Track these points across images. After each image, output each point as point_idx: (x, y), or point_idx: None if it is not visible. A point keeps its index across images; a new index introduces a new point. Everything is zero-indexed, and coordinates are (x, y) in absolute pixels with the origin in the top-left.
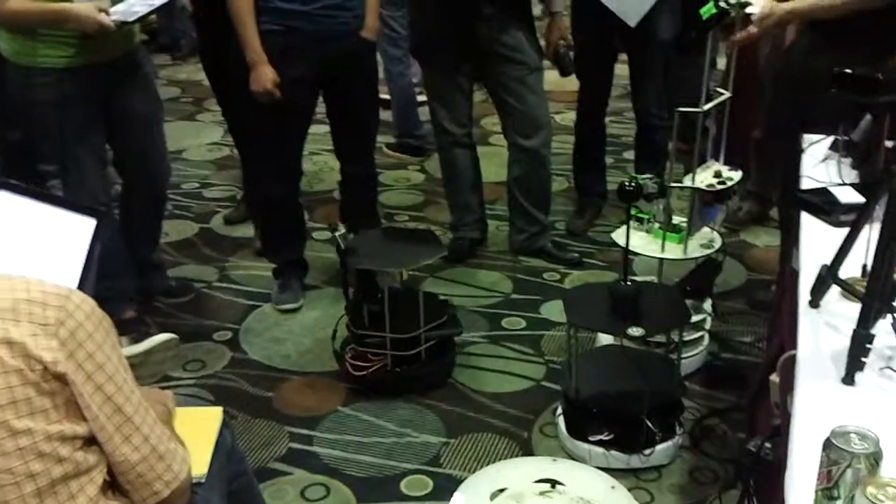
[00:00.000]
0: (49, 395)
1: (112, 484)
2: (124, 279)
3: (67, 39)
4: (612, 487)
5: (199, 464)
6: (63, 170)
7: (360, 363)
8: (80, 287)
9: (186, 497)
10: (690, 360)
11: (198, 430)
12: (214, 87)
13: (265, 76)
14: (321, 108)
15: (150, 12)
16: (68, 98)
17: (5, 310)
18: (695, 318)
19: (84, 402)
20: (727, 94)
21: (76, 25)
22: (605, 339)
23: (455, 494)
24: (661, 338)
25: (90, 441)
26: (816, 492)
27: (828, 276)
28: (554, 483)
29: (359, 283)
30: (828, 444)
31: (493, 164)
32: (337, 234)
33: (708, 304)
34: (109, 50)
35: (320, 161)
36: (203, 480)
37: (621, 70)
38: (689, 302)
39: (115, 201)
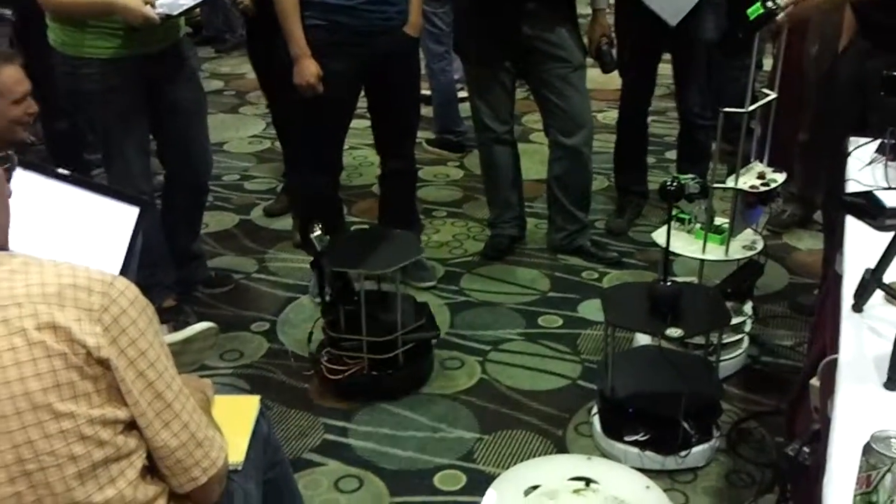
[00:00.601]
0: (91, 379)
1: (151, 469)
2: (165, 268)
3: (114, 31)
4: (647, 487)
5: (236, 451)
6: (107, 159)
7: (335, 367)
8: (122, 274)
9: (223, 484)
10: (729, 362)
11: (235, 419)
12: (261, 80)
13: (308, 70)
14: (363, 102)
15: (195, 6)
16: (113, 89)
17: (51, 295)
18: (735, 321)
19: (125, 388)
20: (773, 95)
21: (122, 17)
22: (642, 339)
23: (488, 491)
24: (699, 339)
25: (131, 426)
26: (855, 496)
27: (872, 279)
28: (588, 481)
29: (334, 285)
30: (867, 449)
31: (534, 161)
32: (313, 235)
33: (748, 307)
34: (155, 42)
35: (360, 155)
36: (240, 468)
37: (665, 69)
38: (729, 304)
39: (158, 192)
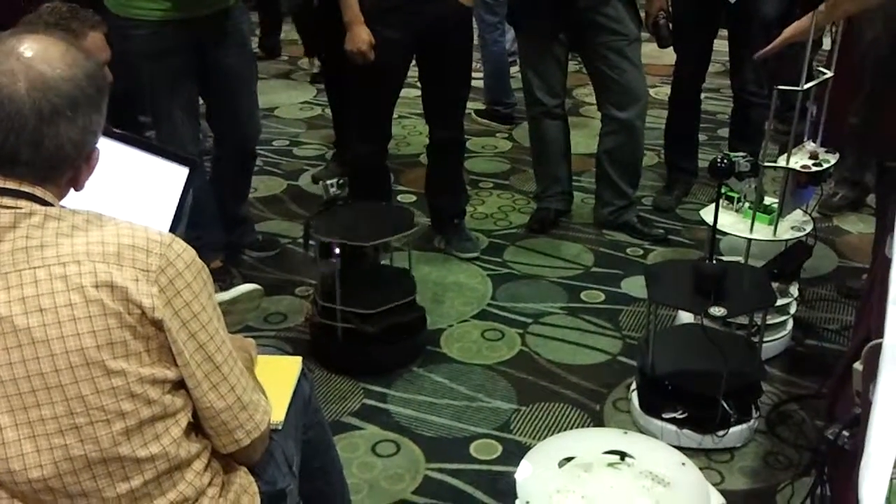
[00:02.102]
0: (144, 339)
1: (195, 427)
2: (213, 230)
3: None
4: (683, 464)
5: (277, 411)
6: (155, 122)
7: (317, 329)
8: (171, 232)
9: (265, 446)
10: (773, 344)
11: (277, 379)
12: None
13: (360, 37)
14: (413, 71)
15: None
16: (163, 51)
17: (110, 254)
18: (780, 302)
19: (177, 349)
20: (829, 74)
21: None
22: (685, 317)
23: (522, 461)
24: (743, 320)
25: (178, 385)
26: (892, 480)
27: None
28: (623, 455)
29: (320, 251)
30: None
31: (584, 135)
32: (327, 181)
33: (795, 289)
34: (206, 5)
35: (409, 125)
36: (280, 427)
37: (721, 45)
38: (775, 285)
39: (208, 155)
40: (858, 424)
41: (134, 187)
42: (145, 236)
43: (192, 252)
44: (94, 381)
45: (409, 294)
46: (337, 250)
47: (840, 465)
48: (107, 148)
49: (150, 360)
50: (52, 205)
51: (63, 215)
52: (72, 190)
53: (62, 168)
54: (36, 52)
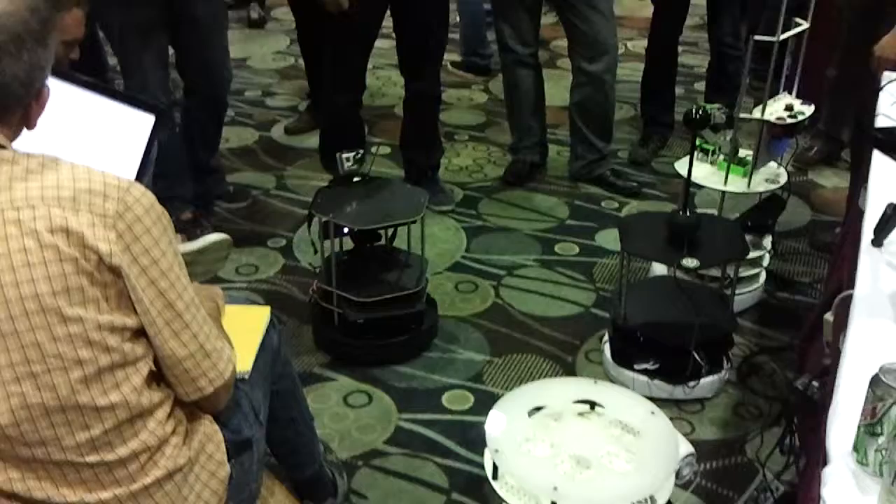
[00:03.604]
0: (101, 285)
1: (157, 376)
2: (182, 181)
3: None
4: (652, 413)
5: (244, 360)
6: (124, 70)
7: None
8: (138, 181)
9: (229, 394)
10: (745, 296)
11: (245, 328)
12: None
13: None
14: (388, 21)
15: None
16: (133, 1)
17: (66, 199)
18: (753, 255)
19: (136, 296)
20: (805, 25)
21: None
22: (659, 270)
23: (492, 411)
24: (716, 272)
25: (139, 333)
26: (859, 427)
27: (894, 214)
28: (593, 405)
29: (323, 229)
30: (875, 380)
31: (560, 87)
32: (343, 155)
33: (768, 241)
34: None
35: (384, 76)
36: (247, 377)
37: None
38: (748, 237)
39: (178, 106)
40: (828, 375)
41: (99, 135)
42: (102, 180)
43: (152, 197)
44: (51, 328)
45: (409, 287)
46: (346, 229)
47: (809, 415)
48: (70, 95)
49: (108, 307)
50: (4, 147)
51: (17, 159)
52: (25, 131)
53: (11, 107)
54: None
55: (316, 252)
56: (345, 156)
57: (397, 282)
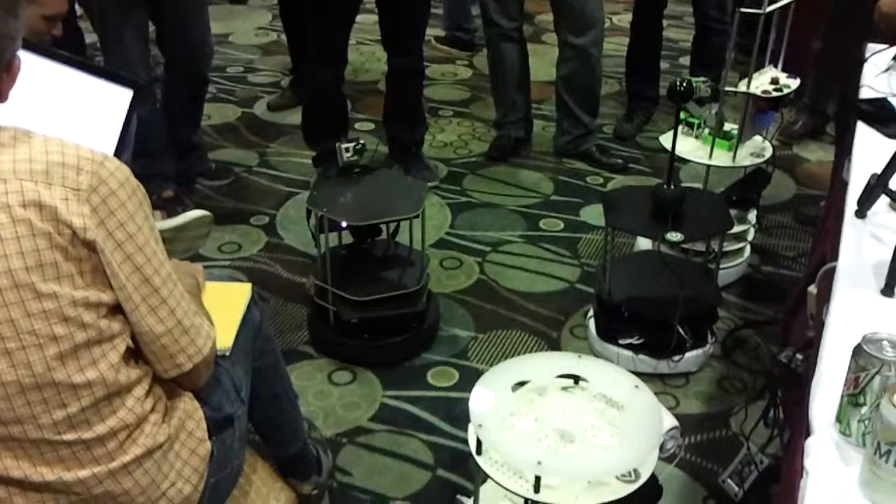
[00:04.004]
0: (76, 260)
1: (135, 353)
2: (164, 159)
3: None
4: (636, 387)
5: (225, 337)
6: (104, 46)
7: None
8: (117, 156)
9: (209, 371)
10: (730, 270)
11: (226, 304)
12: None
13: None
14: None
15: None
16: None
17: (38, 172)
18: (737, 229)
19: (112, 271)
20: None
21: None
22: (644, 245)
23: (476, 386)
24: (701, 246)
25: (115, 309)
26: (842, 397)
27: (877, 185)
28: (577, 379)
29: (319, 223)
30: (858, 350)
31: (545, 62)
32: (342, 145)
33: (753, 216)
34: None
35: (367, 51)
36: (228, 353)
37: None
38: (733, 211)
39: (158, 82)
40: (811, 347)
41: (77, 111)
42: (76, 153)
43: (126, 170)
44: (24, 304)
45: (408, 286)
46: (344, 224)
47: (793, 387)
48: (47, 70)
49: (83, 282)
50: None
51: None
52: None
53: None
54: None
55: (317, 246)
56: (344, 146)
57: (398, 280)
